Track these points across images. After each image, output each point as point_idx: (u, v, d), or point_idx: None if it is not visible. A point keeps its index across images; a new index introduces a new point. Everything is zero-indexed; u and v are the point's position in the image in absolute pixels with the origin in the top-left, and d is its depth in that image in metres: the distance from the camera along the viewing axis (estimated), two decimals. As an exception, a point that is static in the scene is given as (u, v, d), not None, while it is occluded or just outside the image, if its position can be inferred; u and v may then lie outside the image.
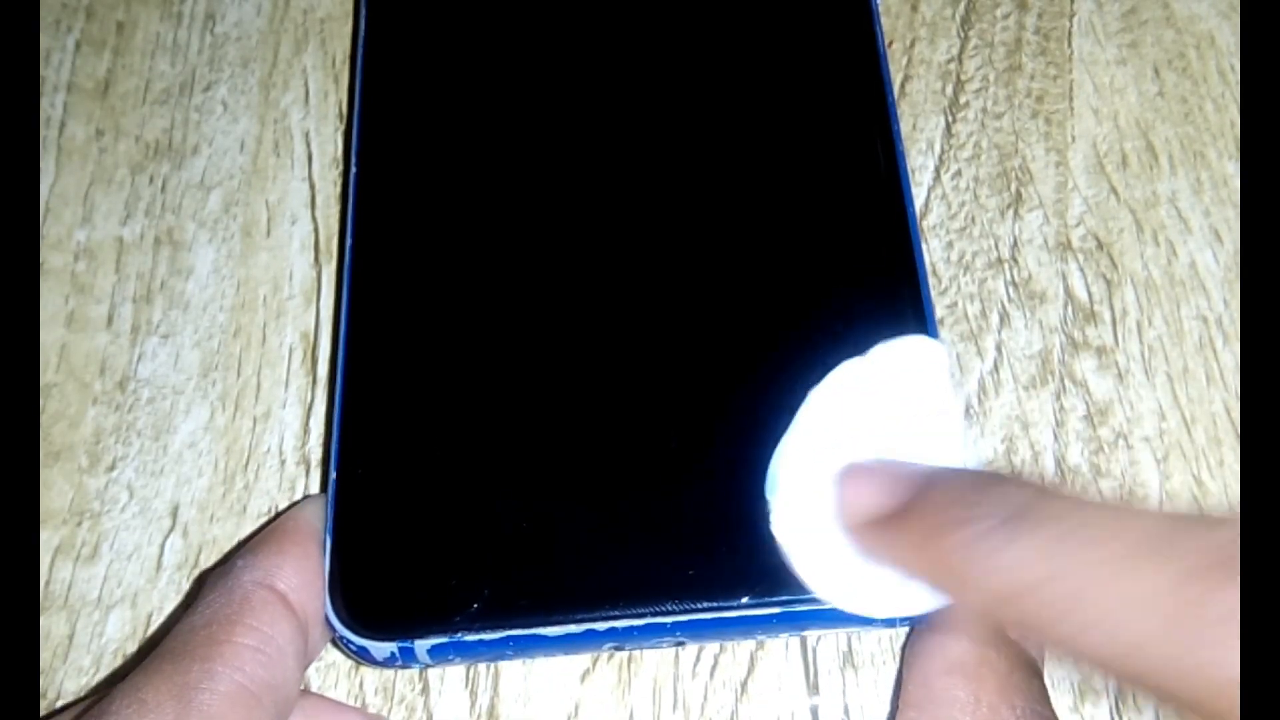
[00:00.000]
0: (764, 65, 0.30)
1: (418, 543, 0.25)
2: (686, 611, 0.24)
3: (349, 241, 0.28)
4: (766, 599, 0.24)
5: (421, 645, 0.24)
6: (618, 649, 0.25)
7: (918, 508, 0.21)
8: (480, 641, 0.24)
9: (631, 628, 0.24)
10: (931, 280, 0.30)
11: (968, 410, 0.28)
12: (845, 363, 0.25)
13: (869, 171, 0.28)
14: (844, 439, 0.24)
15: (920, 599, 0.23)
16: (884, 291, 0.27)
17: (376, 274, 0.28)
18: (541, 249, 0.28)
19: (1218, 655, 0.17)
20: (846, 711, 0.26)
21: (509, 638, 0.24)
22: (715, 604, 0.24)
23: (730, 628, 0.24)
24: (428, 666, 0.25)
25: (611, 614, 0.24)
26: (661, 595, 0.24)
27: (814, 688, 0.26)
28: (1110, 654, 0.18)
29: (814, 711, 0.26)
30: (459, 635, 0.24)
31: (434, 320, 0.27)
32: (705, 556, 0.24)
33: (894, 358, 0.25)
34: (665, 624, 0.24)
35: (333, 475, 0.26)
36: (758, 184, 0.28)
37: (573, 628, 0.24)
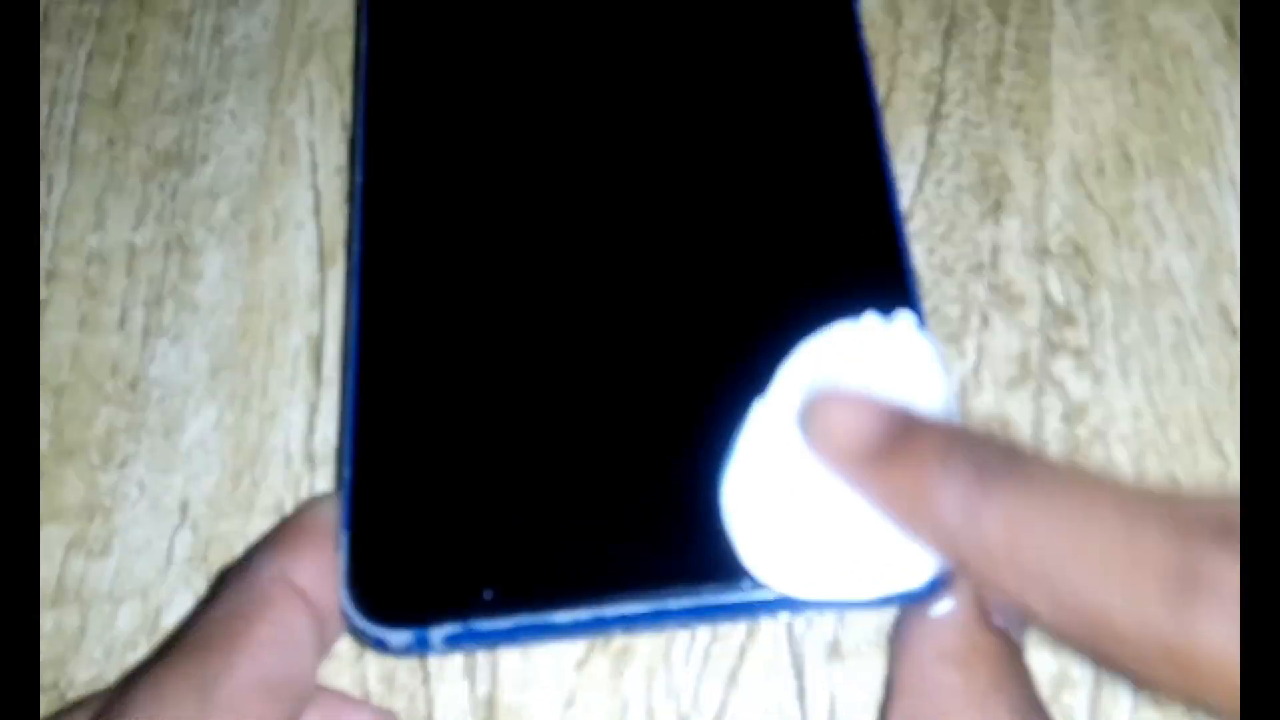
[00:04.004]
0: (755, 77, 0.30)
1: (432, 533, 0.25)
2: (694, 596, 0.24)
3: (357, 245, 0.28)
4: None
5: (437, 633, 0.24)
6: (628, 633, 0.26)
7: (904, 446, 0.21)
8: (494, 629, 0.24)
9: (640, 613, 0.24)
10: (915, 284, 0.30)
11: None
12: (816, 338, 0.25)
13: (856, 176, 0.28)
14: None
15: (872, 583, 0.24)
16: (874, 290, 0.27)
17: (386, 273, 0.28)
18: (544, 248, 0.28)
19: (1213, 632, 0.16)
20: (833, 701, 0.27)
21: (521, 624, 0.24)
22: (722, 587, 0.24)
23: (737, 611, 0.24)
24: (444, 654, 0.25)
25: (621, 599, 0.24)
26: (670, 580, 0.24)
27: (800, 676, 0.27)
28: (1091, 620, 0.18)
29: (800, 697, 0.27)
30: (474, 623, 0.24)
31: (443, 316, 0.28)
32: (712, 542, 0.24)
33: (876, 342, 0.25)
34: (672, 608, 0.24)
35: (347, 469, 0.26)
36: (755, 191, 0.29)
37: (583, 614, 0.24)
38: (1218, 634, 0.16)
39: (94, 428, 0.30)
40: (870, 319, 0.25)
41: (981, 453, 0.20)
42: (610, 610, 0.24)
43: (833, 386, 0.24)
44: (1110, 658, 0.18)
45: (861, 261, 0.28)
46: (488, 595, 0.24)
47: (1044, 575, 0.18)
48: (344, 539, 0.25)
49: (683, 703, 0.27)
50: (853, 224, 0.28)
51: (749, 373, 0.26)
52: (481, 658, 0.27)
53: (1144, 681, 0.18)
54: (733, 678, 0.27)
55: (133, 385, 0.31)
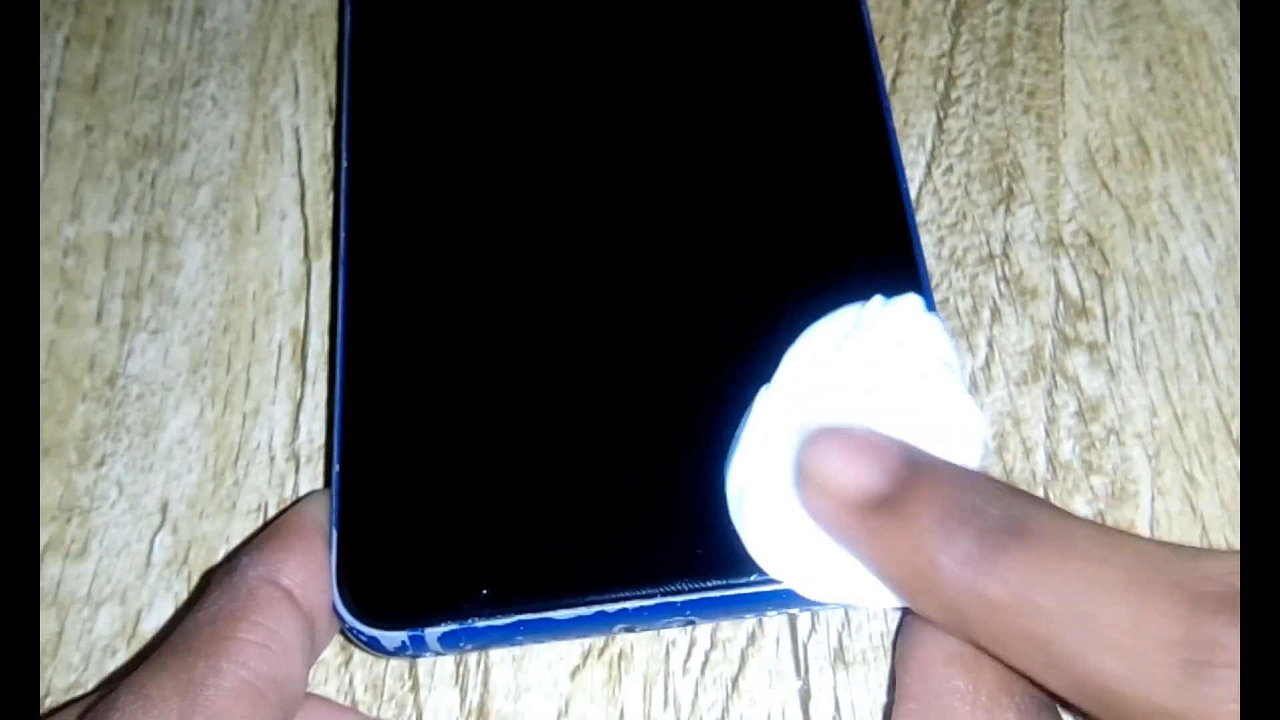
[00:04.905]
0: (753, 60, 0.30)
1: (425, 531, 0.25)
2: (696, 590, 0.24)
3: (343, 235, 0.28)
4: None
5: (432, 633, 0.24)
6: (629, 630, 0.25)
7: (904, 501, 0.21)
8: (491, 627, 0.24)
9: (642, 608, 0.24)
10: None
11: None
12: (821, 323, 0.25)
13: (863, 160, 0.28)
14: (818, 407, 0.24)
15: (879, 594, 0.23)
16: (881, 275, 0.26)
17: (373, 266, 0.28)
18: (536, 236, 0.28)
19: (1220, 710, 0.17)
20: (838, 708, 0.26)
21: (520, 622, 0.24)
22: (724, 581, 0.24)
23: (740, 605, 0.24)
24: (439, 655, 0.24)
25: (622, 595, 0.24)
26: (671, 574, 0.24)
27: (805, 683, 0.26)
28: (1096, 691, 0.18)
29: (804, 704, 0.26)
30: (470, 622, 0.24)
31: (432, 309, 0.27)
32: (713, 534, 0.24)
33: (885, 324, 0.25)
34: (675, 603, 0.24)
35: (336, 467, 0.26)
36: (759, 177, 0.28)
37: (583, 610, 0.24)
38: (1224, 711, 0.17)
39: (71, 425, 0.30)
40: (876, 301, 0.25)
41: (985, 511, 0.20)
42: (613, 605, 0.24)
43: (829, 426, 0.23)
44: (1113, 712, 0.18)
45: (868, 246, 0.27)
46: (485, 592, 0.24)
47: (1049, 644, 0.18)
48: (334, 536, 0.25)
49: (682, 712, 0.26)
50: (859, 208, 0.28)
51: (752, 360, 0.25)
52: (473, 665, 0.27)
53: None
54: (734, 685, 0.26)
55: (111, 381, 0.30)
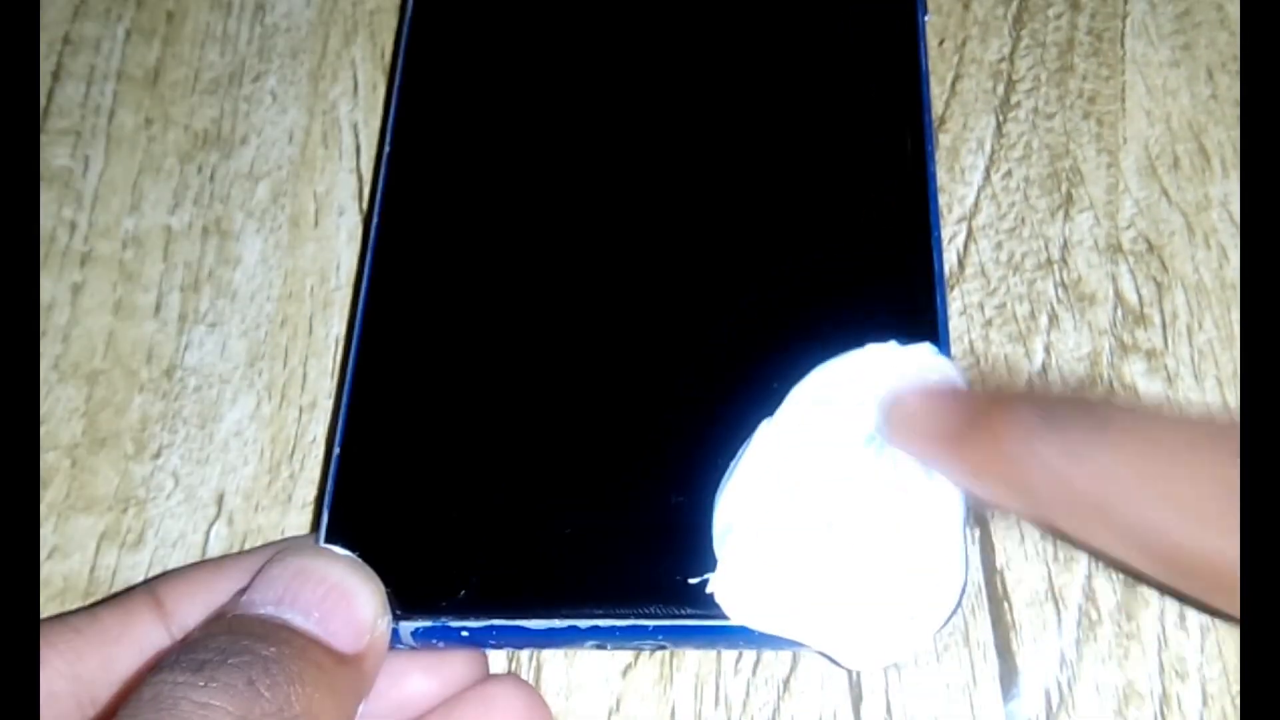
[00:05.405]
0: (800, 75, 0.30)
1: (412, 530, 0.25)
2: (670, 616, 0.24)
3: (374, 228, 0.28)
4: None
5: (406, 627, 0.24)
6: (599, 647, 0.25)
7: (989, 421, 0.22)
8: (464, 628, 0.24)
9: (614, 627, 0.24)
10: (979, 281, 0.30)
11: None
12: (831, 362, 0.25)
13: (899, 205, 0.28)
14: (814, 465, 0.24)
15: (845, 644, 0.23)
16: (900, 321, 0.26)
17: (391, 277, 0.28)
18: (565, 253, 0.28)
19: None
20: (889, 710, 0.26)
21: (492, 627, 0.24)
22: (698, 612, 0.24)
23: (713, 636, 0.24)
24: (411, 648, 0.25)
25: (595, 612, 0.24)
26: (646, 598, 0.24)
27: (856, 686, 0.26)
28: (1177, 550, 0.19)
29: (856, 706, 0.26)
30: (444, 620, 0.24)
31: (438, 318, 0.28)
32: (693, 564, 0.24)
33: (893, 366, 0.25)
34: (647, 627, 0.24)
35: (336, 451, 0.26)
36: (781, 207, 0.28)
37: (556, 623, 0.24)
38: None
39: (128, 416, 0.30)
40: (889, 345, 0.25)
41: (1063, 411, 0.21)
42: (585, 622, 0.24)
43: (910, 384, 0.24)
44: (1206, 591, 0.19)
45: (892, 291, 0.27)
46: (463, 594, 0.25)
47: (1133, 525, 0.19)
48: (324, 522, 0.25)
49: (733, 711, 0.26)
50: (888, 253, 0.28)
51: (758, 392, 0.25)
52: (525, 661, 0.27)
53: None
54: (786, 686, 0.26)
55: (168, 373, 0.30)
